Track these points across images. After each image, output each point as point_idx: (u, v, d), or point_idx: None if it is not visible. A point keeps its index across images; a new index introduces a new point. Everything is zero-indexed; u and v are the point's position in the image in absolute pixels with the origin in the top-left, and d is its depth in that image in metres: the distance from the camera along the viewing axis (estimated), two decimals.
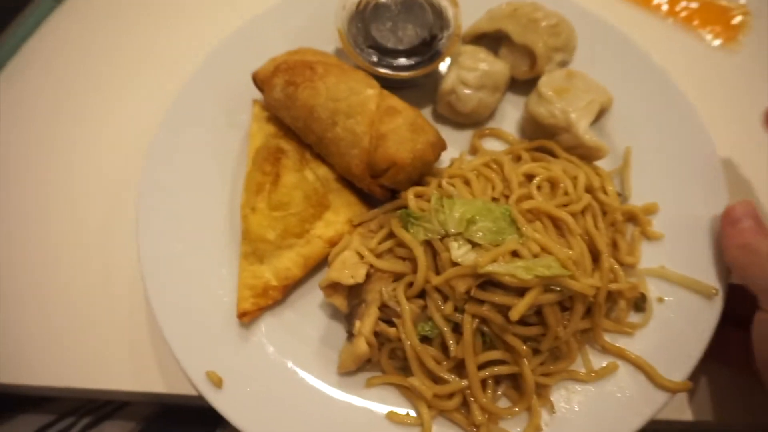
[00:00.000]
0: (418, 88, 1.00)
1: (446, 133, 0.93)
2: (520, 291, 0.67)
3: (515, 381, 0.74)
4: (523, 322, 0.70)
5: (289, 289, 0.83)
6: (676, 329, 0.76)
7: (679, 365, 0.73)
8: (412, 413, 0.74)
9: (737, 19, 1.08)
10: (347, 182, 0.90)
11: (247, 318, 0.79)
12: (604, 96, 0.92)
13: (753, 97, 1.03)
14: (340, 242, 0.82)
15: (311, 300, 0.85)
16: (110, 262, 0.93)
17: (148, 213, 0.85)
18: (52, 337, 0.88)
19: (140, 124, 1.05)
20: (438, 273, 0.73)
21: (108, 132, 1.07)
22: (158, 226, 0.85)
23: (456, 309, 0.72)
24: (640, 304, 0.78)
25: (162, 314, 0.78)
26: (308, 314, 0.84)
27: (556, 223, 0.76)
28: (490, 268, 0.67)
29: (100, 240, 0.95)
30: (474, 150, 0.95)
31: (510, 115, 0.99)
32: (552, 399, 0.73)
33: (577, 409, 0.72)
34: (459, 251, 0.71)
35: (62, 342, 0.88)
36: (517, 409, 0.71)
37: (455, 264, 0.70)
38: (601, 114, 0.93)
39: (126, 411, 0.95)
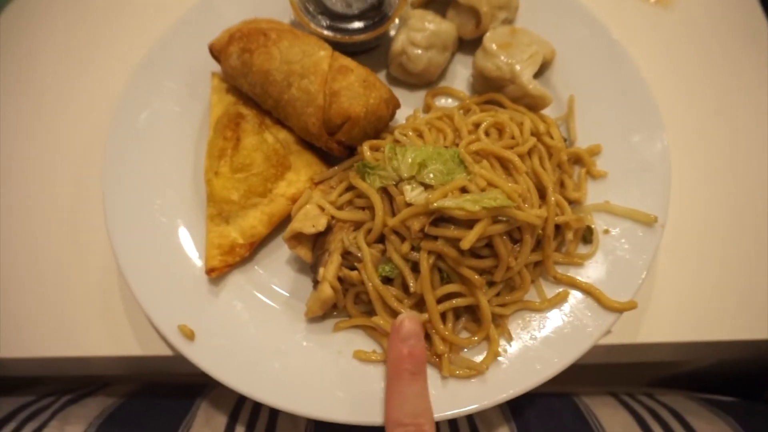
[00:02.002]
0: (371, 53, 1.03)
1: (400, 94, 0.97)
2: (470, 224, 0.71)
3: (474, 314, 0.78)
4: (476, 254, 0.74)
5: (255, 246, 0.86)
6: (621, 257, 0.80)
7: (625, 288, 0.78)
8: (379, 350, 0.77)
9: None
10: (307, 144, 0.93)
11: (215, 273, 0.81)
12: (546, 48, 0.96)
13: (686, 49, 1.09)
14: (301, 197, 0.85)
15: (278, 257, 0.88)
16: (79, 232, 0.95)
17: (114, 183, 0.87)
18: (23, 308, 0.90)
19: (104, 98, 1.07)
20: (394, 216, 0.76)
21: (72, 105, 1.08)
22: (125, 195, 0.87)
23: (413, 248, 0.75)
24: (587, 236, 0.82)
25: (132, 277, 0.81)
26: (276, 270, 0.87)
27: (504, 164, 0.80)
28: (440, 203, 0.71)
29: (68, 211, 0.97)
30: (427, 108, 0.99)
31: (460, 74, 1.03)
32: (509, 328, 0.77)
33: (533, 336, 0.77)
34: (412, 193, 0.75)
35: (34, 312, 0.90)
36: (476, 339, 0.75)
37: (409, 205, 0.74)
38: (545, 66, 0.98)
39: (107, 390, 0.97)
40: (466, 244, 0.69)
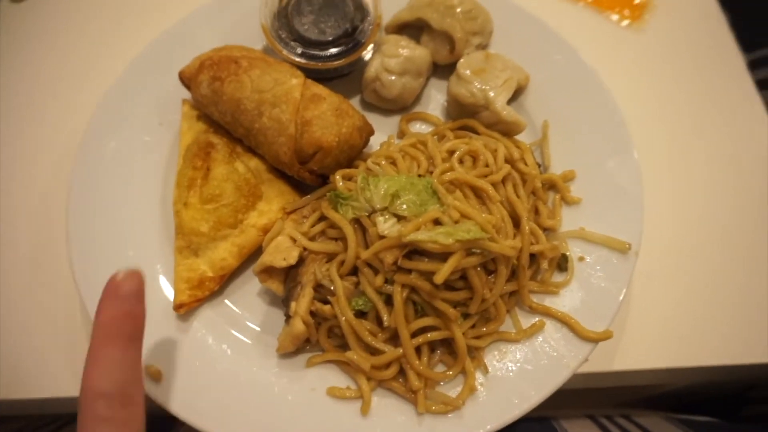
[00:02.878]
0: (345, 79, 1.02)
1: (374, 119, 0.96)
2: (444, 257, 0.70)
3: (450, 347, 0.76)
4: (450, 287, 0.73)
5: (225, 279, 0.84)
6: (596, 285, 0.80)
7: (601, 317, 0.77)
8: (353, 387, 0.75)
9: (641, 0, 1.16)
10: (279, 173, 0.92)
11: (183, 309, 0.79)
12: (520, 74, 0.96)
13: (658, 71, 1.10)
14: (273, 228, 0.84)
15: (249, 290, 0.86)
16: (43, 266, 0.92)
17: (79, 213, 0.85)
18: None
19: (70, 126, 1.04)
20: (368, 248, 0.75)
21: (37, 134, 1.05)
22: (90, 227, 0.84)
23: (387, 281, 0.74)
24: (562, 264, 0.82)
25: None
26: (247, 304, 0.85)
27: (478, 193, 0.80)
28: (413, 236, 0.70)
29: (32, 243, 0.94)
30: (402, 134, 0.98)
31: (435, 99, 1.02)
32: (485, 360, 0.76)
33: (509, 368, 0.76)
34: (385, 225, 0.73)
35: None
36: (451, 373, 0.74)
37: (382, 237, 0.73)
38: (519, 92, 0.98)
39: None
40: (439, 279, 0.68)
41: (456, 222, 0.72)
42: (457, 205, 0.73)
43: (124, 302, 0.57)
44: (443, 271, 0.68)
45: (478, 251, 0.71)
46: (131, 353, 0.57)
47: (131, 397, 0.55)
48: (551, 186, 0.89)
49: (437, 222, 0.72)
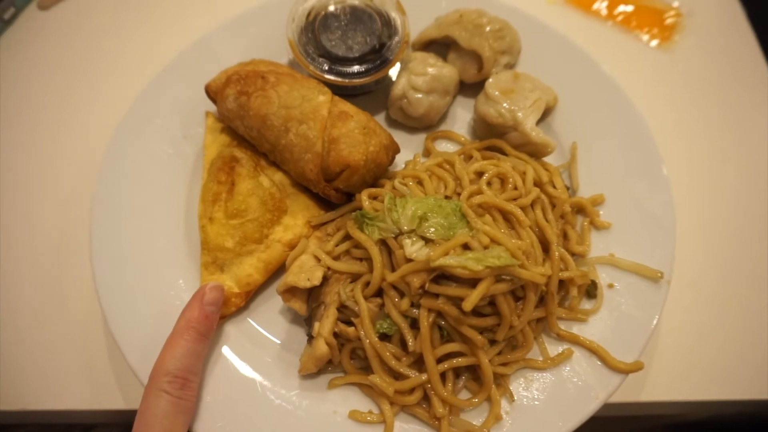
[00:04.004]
0: (371, 95, 1.02)
1: (400, 137, 0.95)
2: (473, 282, 0.69)
3: (475, 373, 0.75)
4: (478, 313, 0.71)
5: (251, 295, 0.83)
6: (626, 313, 0.78)
7: (630, 347, 0.75)
8: (375, 410, 0.74)
9: (671, 20, 1.14)
10: (304, 186, 0.91)
11: None
12: (549, 95, 0.95)
13: (687, 92, 1.08)
14: (297, 246, 0.83)
15: (272, 306, 0.85)
16: (65, 279, 0.92)
17: (102, 227, 0.84)
18: (7, 360, 0.86)
19: (95, 138, 1.04)
20: (393, 270, 0.74)
21: (62, 145, 1.06)
22: (113, 240, 0.84)
23: (412, 304, 0.73)
24: (591, 291, 0.80)
25: (118, 329, 0.77)
26: (269, 321, 0.84)
27: (507, 217, 0.78)
28: (442, 261, 0.68)
29: (53, 255, 0.94)
30: (427, 152, 0.97)
31: (461, 118, 1.01)
32: (511, 388, 0.74)
33: (536, 396, 0.74)
34: (412, 248, 0.72)
35: (18, 364, 0.86)
36: (476, 400, 0.73)
37: (409, 260, 0.72)
38: (547, 112, 0.97)
39: None
40: (468, 306, 0.67)
41: (485, 247, 0.71)
42: (487, 229, 0.72)
43: (205, 307, 0.73)
44: (472, 298, 0.67)
45: (508, 278, 0.70)
46: (200, 347, 0.71)
47: (190, 382, 0.69)
48: (580, 210, 0.87)
49: (466, 246, 0.71)
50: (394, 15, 0.97)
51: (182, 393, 0.67)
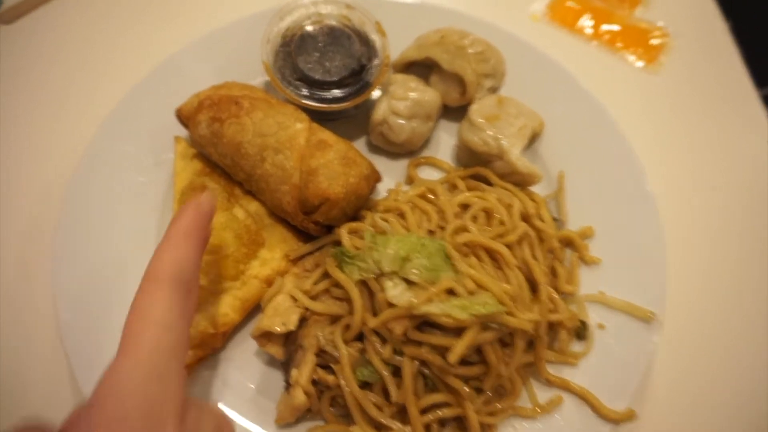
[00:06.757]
0: (351, 119, 0.97)
1: (381, 163, 0.91)
2: (458, 330, 0.65)
3: (461, 422, 0.71)
4: (464, 361, 0.68)
5: (228, 335, 0.79)
6: (617, 356, 0.75)
7: (621, 393, 0.72)
8: None
9: (657, 41, 1.12)
10: (281, 216, 0.86)
11: (187, 371, 0.73)
12: (535, 121, 0.92)
13: (674, 115, 1.06)
14: (272, 286, 0.78)
15: (247, 348, 0.80)
16: (26, 319, 0.85)
17: (64, 262, 0.80)
18: None
19: (59, 164, 0.97)
20: (375, 314, 0.70)
21: (24, 172, 0.98)
22: (77, 276, 0.79)
23: (395, 351, 0.69)
24: (581, 332, 0.77)
25: (83, 375, 0.72)
26: (244, 363, 0.79)
27: (493, 256, 0.75)
28: (426, 308, 0.65)
29: (12, 289, 0.87)
30: (410, 180, 0.93)
31: (445, 143, 0.98)
32: None
33: None
34: (394, 291, 0.68)
35: None
36: None
37: (391, 305, 0.68)
38: (533, 138, 0.93)
39: None
40: (454, 358, 0.63)
41: (471, 292, 0.67)
42: (473, 274, 0.68)
43: (202, 217, 0.63)
44: (457, 350, 0.63)
45: (495, 326, 0.66)
46: (196, 253, 0.60)
47: (187, 283, 0.57)
48: (568, 243, 0.84)
49: (450, 292, 0.67)
50: (374, 36, 0.93)
51: (186, 304, 0.57)
